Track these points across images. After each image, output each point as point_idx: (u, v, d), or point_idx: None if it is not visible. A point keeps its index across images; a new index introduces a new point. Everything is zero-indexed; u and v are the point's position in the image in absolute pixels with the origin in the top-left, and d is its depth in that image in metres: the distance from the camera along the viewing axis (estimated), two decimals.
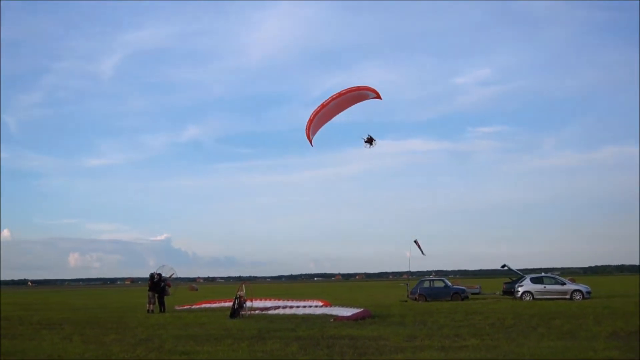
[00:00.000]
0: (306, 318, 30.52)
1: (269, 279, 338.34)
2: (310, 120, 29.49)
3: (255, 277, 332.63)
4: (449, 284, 53.83)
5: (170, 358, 17.17)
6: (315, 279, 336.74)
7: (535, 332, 21.92)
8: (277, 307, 37.64)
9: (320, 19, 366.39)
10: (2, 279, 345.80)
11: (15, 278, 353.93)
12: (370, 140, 30.13)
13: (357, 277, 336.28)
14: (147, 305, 39.82)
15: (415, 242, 53.00)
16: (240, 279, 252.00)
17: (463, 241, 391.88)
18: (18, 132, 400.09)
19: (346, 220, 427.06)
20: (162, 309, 39.55)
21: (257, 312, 35.26)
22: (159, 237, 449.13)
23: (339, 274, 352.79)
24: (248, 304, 34.57)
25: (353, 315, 29.85)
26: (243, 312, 32.90)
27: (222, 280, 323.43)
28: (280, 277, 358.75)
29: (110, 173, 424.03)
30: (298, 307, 37.58)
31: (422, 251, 53.22)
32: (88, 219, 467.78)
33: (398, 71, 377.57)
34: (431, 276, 66.62)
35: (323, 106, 29.16)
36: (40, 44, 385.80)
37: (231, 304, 34.69)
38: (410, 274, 73.09)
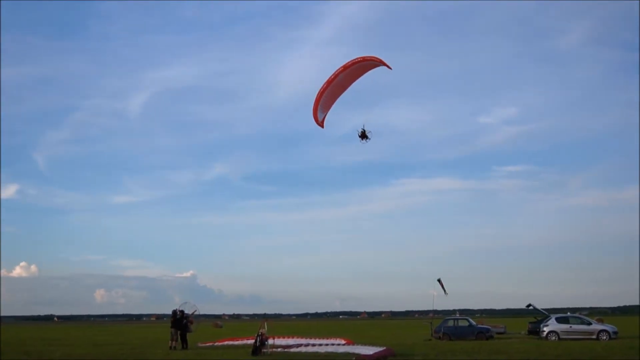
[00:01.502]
0: (328, 356, 30.42)
1: (294, 317, 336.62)
2: (317, 101, 28.74)
3: (280, 315, 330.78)
4: (474, 323, 53.25)
5: None
6: (341, 317, 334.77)
7: None
8: (300, 345, 37.50)
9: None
10: (30, 314, 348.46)
11: (42, 313, 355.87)
12: (364, 135, 29.52)
13: (383, 315, 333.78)
14: (170, 342, 39.85)
15: (439, 281, 52.72)
16: (265, 316, 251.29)
17: (488, 280, 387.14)
18: (46, 169, 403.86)
19: (372, 258, 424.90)
20: (185, 346, 39.52)
21: (279, 349, 35.15)
22: (184, 274, 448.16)
23: (365, 312, 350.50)
24: (270, 341, 34.47)
25: (375, 353, 29.68)
26: (265, 350, 32.82)
27: (248, 318, 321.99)
28: (305, 315, 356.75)
29: (136, 210, 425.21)
30: (320, 345, 37.40)
31: (444, 290, 52.89)
32: (114, 256, 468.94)
33: (424, 110, 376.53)
34: (455, 315, 65.89)
35: (329, 83, 28.21)
36: (70, 82, 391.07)
37: (253, 341, 34.63)
38: (435, 312, 72.57)
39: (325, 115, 30.02)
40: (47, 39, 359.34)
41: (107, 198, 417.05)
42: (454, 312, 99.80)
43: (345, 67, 27.92)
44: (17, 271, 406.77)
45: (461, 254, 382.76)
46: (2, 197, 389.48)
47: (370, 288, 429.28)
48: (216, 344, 44.77)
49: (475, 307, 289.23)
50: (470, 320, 55.03)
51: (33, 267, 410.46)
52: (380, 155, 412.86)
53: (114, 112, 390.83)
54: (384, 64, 27.80)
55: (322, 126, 30.10)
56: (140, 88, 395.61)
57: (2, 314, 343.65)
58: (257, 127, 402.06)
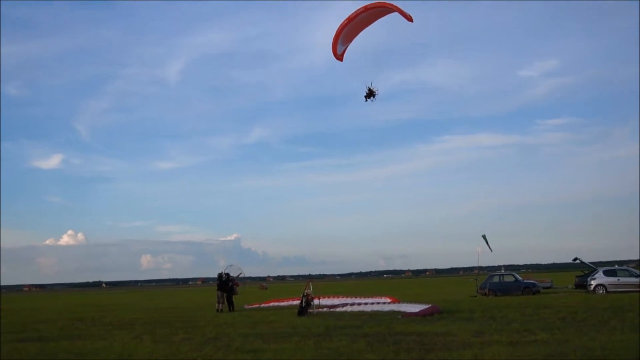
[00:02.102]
0: (374, 315, 30.39)
1: (338, 277, 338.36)
2: (337, 35, 28.31)
3: (324, 275, 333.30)
4: (519, 278, 52.91)
5: (237, 356, 17.28)
6: (385, 275, 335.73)
7: (608, 326, 21.37)
8: (345, 305, 37.61)
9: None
10: (78, 281, 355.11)
11: (90, 280, 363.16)
12: (370, 94, 29.10)
13: (427, 273, 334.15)
14: (216, 305, 40.29)
15: (484, 237, 52.44)
16: (309, 277, 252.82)
17: (534, 235, 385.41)
18: (89, 138, 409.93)
19: (415, 216, 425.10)
20: (231, 308, 39.93)
21: (324, 309, 35.28)
22: (228, 238, 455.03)
23: (409, 271, 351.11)
24: (315, 301, 34.61)
25: (421, 311, 29.60)
26: (310, 310, 32.96)
27: (292, 279, 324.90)
28: (349, 275, 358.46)
29: (179, 175, 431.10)
30: (366, 304, 37.45)
31: (489, 246, 52.64)
32: (159, 221, 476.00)
33: (463, 66, 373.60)
34: (501, 271, 65.54)
35: (350, 20, 27.84)
36: (108, 52, 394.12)
37: (299, 302, 34.80)
38: (480, 269, 72.28)
39: (345, 49, 29.60)
40: (84, 9, 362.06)
41: (150, 165, 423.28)
42: (499, 268, 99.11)
43: (366, 9, 27.52)
44: (65, 239, 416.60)
45: (506, 209, 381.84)
46: (46, 167, 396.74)
47: (414, 246, 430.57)
48: (262, 305, 45.19)
49: (521, 263, 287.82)
50: (516, 275, 54.68)
51: (80, 235, 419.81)
52: (421, 113, 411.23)
53: (152, 79, 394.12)
54: (404, 15, 27.18)
55: (342, 59, 29.75)
56: (178, 55, 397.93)
57: (53, 282, 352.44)
58: (296, 89, 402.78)
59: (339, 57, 29.54)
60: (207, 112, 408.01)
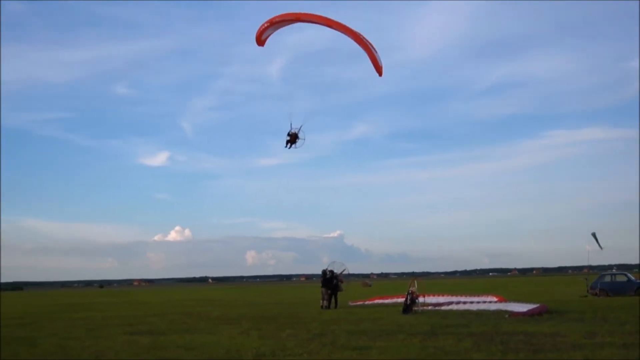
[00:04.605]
0: (480, 314, 29.99)
1: (442, 275, 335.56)
2: (274, 21, 26.86)
3: (428, 273, 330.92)
4: (633, 278, 51.06)
5: (343, 353, 17.35)
6: (491, 274, 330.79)
7: None
8: (450, 303, 37.20)
9: (483, 11, 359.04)
10: (185, 276, 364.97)
11: (197, 275, 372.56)
12: (293, 140, 26.99)
13: (534, 272, 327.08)
14: (321, 302, 40.57)
15: (593, 235, 50.90)
16: (413, 275, 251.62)
17: None
18: (193, 136, 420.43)
19: (520, 213, 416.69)
20: (335, 305, 40.12)
21: (429, 307, 35.04)
22: (332, 234, 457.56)
23: (515, 269, 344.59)
24: (420, 299, 34.39)
25: (529, 310, 29.02)
26: (415, 308, 32.78)
27: (395, 276, 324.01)
28: (454, 273, 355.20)
29: (281, 172, 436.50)
30: (472, 302, 36.95)
31: (599, 245, 51.03)
32: (262, 218, 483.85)
33: (568, 59, 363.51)
34: (613, 270, 63.45)
35: (298, 18, 26.24)
36: (211, 51, 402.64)
37: (403, 299, 34.66)
38: (590, 268, 70.27)
39: (268, 37, 27.58)
40: (185, 9, 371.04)
41: (253, 161, 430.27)
42: (610, 267, 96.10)
43: (340, 27, 26.37)
44: (172, 235, 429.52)
45: (616, 206, 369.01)
46: (154, 164, 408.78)
47: (520, 244, 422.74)
48: (366, 302, 45.19)
49: (634, 262, 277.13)
50: (629, 275, 52.80)
51: (187, 231, 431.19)
52: (525, 107, 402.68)
53: (254, 77, 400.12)
54: (376, 67, 26.38)
55: (263, 44, 27.79)
56: (279, 52, 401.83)
57: (161, 277, 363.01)
58: (396, 85, 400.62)
59: (262, 42, 27.80)
60: (308, 108, 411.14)
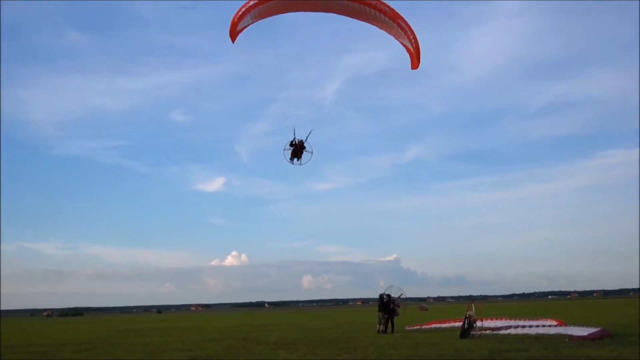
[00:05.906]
0: (539, 338, 29.61)
1: (500, 298, 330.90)
2: (251, 7, 21.89)
3: (486, 296, 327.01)
4: None
5: None
6: (550, 297, 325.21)
7: None
8: (509, 327, 36.75)
9: (536, 30, 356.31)
10: (242, 301, 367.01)
11: (254, 300, 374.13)
12: (298, 150, 22.06)
13: (595, 294, 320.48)
14: (377, 326, 40.42)
15: None
16: (470, 298, 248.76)
17: None
18: (249, 161, 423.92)
19: (579, 234, 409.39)
20: (392, 329, 39.94)
21: (487, 332, 34.68)
22: (388, 258, 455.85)
23: (575, 292, 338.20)
24: (478, 323, 34.07)
25: (590, 334, 28.58)
26: (473, 332, 32.48)
27: (453, 300, 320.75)
28: (512, 296, 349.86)
29: (336, 196, 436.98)
30: (531, 326, 36.45)
31: None
32: (317, 242, 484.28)
33: (626, 75, 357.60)
34: None
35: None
36: (266, 77, 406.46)
37: (461, 323, 34.38)
38: None
39: (243, 29, 22.61)
40: (240, 35, 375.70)
41: (308, 186, 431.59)
42: None
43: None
44: (229, 260, 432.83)
45: None
46: (210, 189, 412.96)
47: (579, 266, 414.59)
48: (423, 326, 44.89)
49: None
50: None
51: (243, 256, 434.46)
52: (580, 127, 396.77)
53: (308, 101, 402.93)
54: (416, 56, 21.46)
55: (234, 39, 23.30)
56: (332, 76, 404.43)
57: (218, 302, 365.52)
58: (450, 106, 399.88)
59: (236, 33, 23.45)
60: (362, 132, 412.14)
